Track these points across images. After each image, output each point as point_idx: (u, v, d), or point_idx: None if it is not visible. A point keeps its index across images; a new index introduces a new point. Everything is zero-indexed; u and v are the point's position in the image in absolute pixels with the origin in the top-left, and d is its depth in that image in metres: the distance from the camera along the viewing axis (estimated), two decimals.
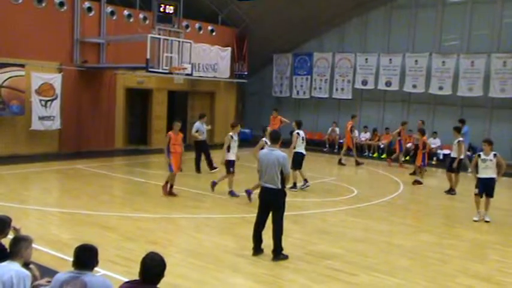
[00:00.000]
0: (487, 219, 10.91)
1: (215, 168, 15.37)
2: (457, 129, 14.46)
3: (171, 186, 12.05)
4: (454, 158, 14.02)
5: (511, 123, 19.79)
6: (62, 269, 5.61)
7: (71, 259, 4.16)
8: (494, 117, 20.23)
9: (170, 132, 12.11)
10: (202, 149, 15.68)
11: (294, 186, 13.32)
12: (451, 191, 14.09)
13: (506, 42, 19.72)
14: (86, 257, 4.12)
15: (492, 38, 20.10)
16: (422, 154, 15.63)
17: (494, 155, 10.84)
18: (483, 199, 11.01)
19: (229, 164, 12.27)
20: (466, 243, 9.46)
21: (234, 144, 12.34)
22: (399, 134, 18.73)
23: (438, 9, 21.36)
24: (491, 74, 19.63)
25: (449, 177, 14.20)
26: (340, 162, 19.06)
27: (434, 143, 20.02)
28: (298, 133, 13.44)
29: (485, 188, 10.88)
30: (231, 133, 12.48)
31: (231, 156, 12.28)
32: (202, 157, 15.67)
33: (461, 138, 14.18)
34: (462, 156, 14.08)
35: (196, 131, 15.53)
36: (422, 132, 15.95)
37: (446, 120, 17.94)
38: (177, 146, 12.00)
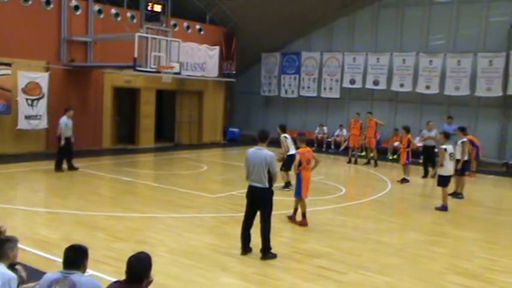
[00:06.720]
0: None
1: (76, 168, 14.75)
2: (462, 130, 13.66)
3: (302, 214, 10.04)
4: (457, 160, 13.09)
5: (497, 121, 20.03)
6: (50, 269, 5.56)
7: (59, 260, 4.14)
8: (480, 116, 20.43)
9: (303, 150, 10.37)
10: (68, 146, 14.69)
11: (286, 186, 13.26)
12: (457, 195, 13.47)
13: (491, 41, 19.93)
14: (75, 257, 4.11)
15: (478, 37, 20.28)
16: (407, 152, 15.75)
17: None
18: None
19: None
20: (452, 241, 9.55)
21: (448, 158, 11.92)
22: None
23: (425, 9, 21.52)
24: (477, 73, 19.84)
25: (455, 180, 13.48)
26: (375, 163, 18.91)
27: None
28: (285, 137, 13.45)
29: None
30: (445, 146, 12.05)
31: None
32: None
33: (465, 139, 13.50)
34: (466, 158, 13.47)
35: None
36: (407, 130, 16.02)
37: (434, 119, 18.07)
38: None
